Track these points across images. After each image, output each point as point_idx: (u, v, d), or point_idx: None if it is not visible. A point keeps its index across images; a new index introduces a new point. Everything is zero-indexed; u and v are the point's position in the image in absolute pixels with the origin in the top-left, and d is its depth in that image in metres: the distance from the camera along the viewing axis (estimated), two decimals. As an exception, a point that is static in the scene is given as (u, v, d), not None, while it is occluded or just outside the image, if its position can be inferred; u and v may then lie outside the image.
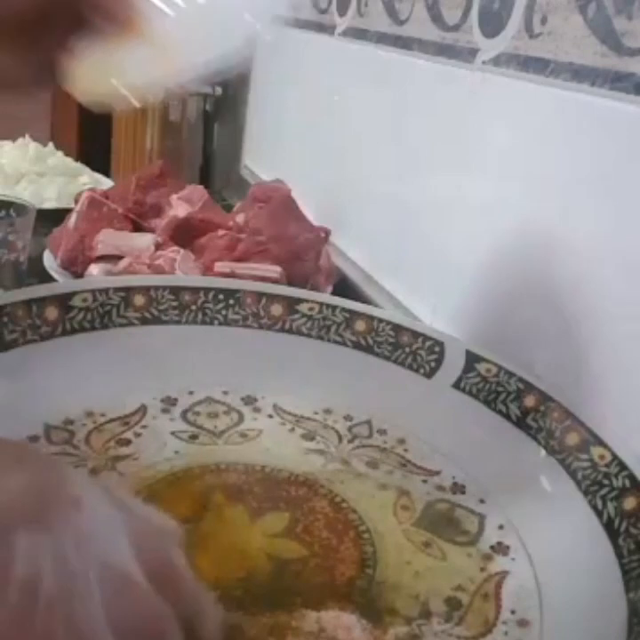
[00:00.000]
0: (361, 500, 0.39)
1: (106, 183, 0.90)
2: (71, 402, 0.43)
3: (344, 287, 0.69)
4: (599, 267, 0.45)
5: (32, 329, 0.44)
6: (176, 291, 0.50)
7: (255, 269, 0.60)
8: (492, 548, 0.38)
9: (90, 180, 0.91)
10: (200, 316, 0.50)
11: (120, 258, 0.62)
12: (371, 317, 0.51)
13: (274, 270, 0.60)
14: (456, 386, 0.47)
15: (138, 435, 0.42)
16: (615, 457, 0.38)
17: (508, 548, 0.38)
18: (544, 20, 0.49)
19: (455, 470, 0.43)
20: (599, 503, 0.37)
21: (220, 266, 0.60)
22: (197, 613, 0.26)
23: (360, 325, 0.50)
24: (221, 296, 0.51)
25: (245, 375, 0.47)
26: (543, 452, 0.42)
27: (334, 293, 0.62)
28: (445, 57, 0.61)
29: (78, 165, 0.93)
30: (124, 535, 0.24)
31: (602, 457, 0.39)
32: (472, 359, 0.47)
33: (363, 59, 0.75)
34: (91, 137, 1.46)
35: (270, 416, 0.46)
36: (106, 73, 0.30)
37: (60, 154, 0.93)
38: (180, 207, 0.67)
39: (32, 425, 0.41)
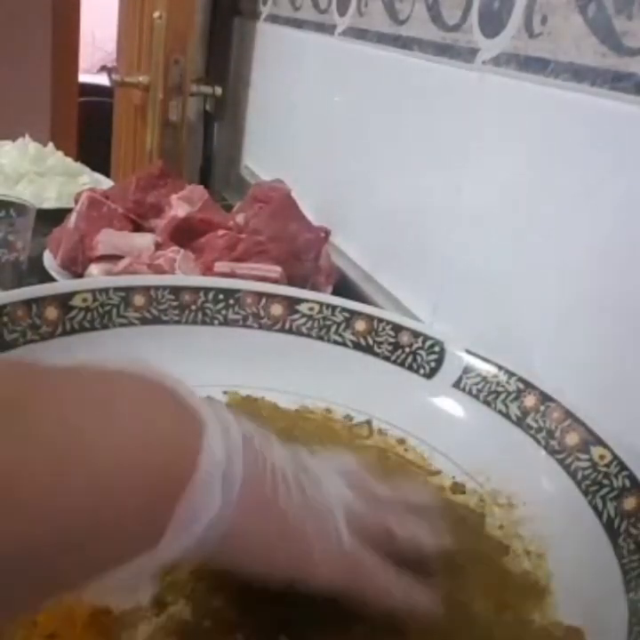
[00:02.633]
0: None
1: (106, 183, 0.90)
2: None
3: (344, 287, 0.69)
4: (601, 265, 0.45)
5: (32, 329, 0.44)
6: (176, 291, 0.50)
7: (255, 269, 0.60)
8: (491, 547, 0.38)
9: (90, 180, 0.91)
10: (200, 315, 0.50)
11: (120, 258, 0.62)
12: (371, 317, 0.51)
13: (274, 270, 0.60)
14: (456, 386, 0.47)
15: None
16: (615, 457, 0.38)
17: (507, 547, 0.38)
18: (544, 20, 0.49)
19: (455, 470, 0.43)
20: (599, 503, 0.37)
21: (219, 266, 0.60)
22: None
23: (360, 325, 0.50)
24: (221, 296, 0.51)
25: (245, 375, 0.47)
26: (543, 451, 0.42)
27: (334, 293, 0.62)
28: (445, 57, 0.61)
29: (78, 165, 0.93)
30: None
31: (602, 457, 0.39)
32: (472, 359, 0.47)
33: (363, 59, 0.75)
34: (91, 137, 1.46)
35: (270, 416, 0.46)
36: None
37: (59, 154, 0.92)
38: (180, 207, 0.67)
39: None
